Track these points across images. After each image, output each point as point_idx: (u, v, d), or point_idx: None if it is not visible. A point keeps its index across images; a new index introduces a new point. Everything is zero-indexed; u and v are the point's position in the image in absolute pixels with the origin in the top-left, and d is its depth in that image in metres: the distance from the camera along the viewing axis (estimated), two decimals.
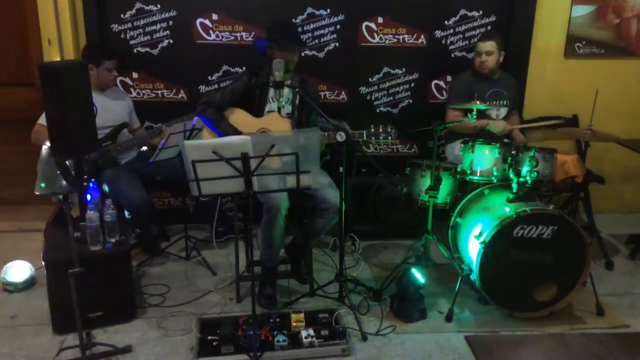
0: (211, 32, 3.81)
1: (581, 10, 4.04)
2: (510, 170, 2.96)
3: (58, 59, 3.64)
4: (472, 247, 2.91)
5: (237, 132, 3.04)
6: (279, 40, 3.09)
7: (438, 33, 3.96)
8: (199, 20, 3.78)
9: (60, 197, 3.13)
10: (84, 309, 2.50)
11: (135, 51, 3.80)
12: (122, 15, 3.73)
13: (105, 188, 3.22)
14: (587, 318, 2.95)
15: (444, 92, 4.08)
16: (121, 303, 2.84)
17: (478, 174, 3.07)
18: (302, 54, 3.74)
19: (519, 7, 3.97)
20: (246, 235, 3.21)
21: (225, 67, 3.88)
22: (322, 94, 3.92)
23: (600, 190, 4.01)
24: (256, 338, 2.55)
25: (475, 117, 3.04)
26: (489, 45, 3.57)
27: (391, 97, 4.08)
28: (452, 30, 3.97)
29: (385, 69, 4.01)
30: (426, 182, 3.14)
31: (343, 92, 4.03)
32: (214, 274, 3.38)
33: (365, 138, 3.04)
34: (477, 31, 3.98)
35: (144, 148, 3.55)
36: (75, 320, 2.45)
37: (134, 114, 3.63)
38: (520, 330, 2.82)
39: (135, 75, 3.86)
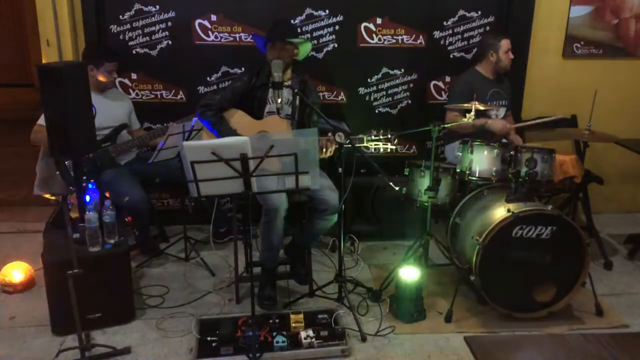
0: (210, 33, 3.80)
1: (579, 11, 4.04)
2: (509, 170, 2.97)
3: (57, 59, 3.64)
4: (471, 248, 2.91)
5: (237, 135, 3.03)
6: (270, 36, 3.09)
7: (437, 34, 3.97)
8: (198, 21, 3.78)
9: (55, 198, 3.12)
10: (83, 310, 2.50)
11: (134, 52, 3.80)
12: (120, 16, 3.73)
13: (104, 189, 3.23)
14: (586, 318, 2.96)
15: (443, 93, 4.08)
16: (120, 304, 2.84)
17: (477, 175, 3.06)
18: None
19: (517, 8, 3.97)
20: (245, 236, 3.21)
21: (224, 68, 3.88)
22: (321, 94, 3.91)
23: (599, 191, 4.01)
24: (255, 339, 2.55)
25: (473, 118, 3.04)
26: (509, 42, 3.63)
27: (390, 98, 4.08)
28: (451, 31, 3.97)
29: (384, 70, 4.01)
30: (425, 182, 3.13)
31: (342, 93, 4.03)
32: (213, 275, 3.38)
33: (365, 143, 3.01)
34: (476, 32, 3.98)
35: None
36: (74, 322, 2.44)
37: (133, 115, 3.62)
38: (520, 331, 2.82)
39: (134, 76, 3.86)
